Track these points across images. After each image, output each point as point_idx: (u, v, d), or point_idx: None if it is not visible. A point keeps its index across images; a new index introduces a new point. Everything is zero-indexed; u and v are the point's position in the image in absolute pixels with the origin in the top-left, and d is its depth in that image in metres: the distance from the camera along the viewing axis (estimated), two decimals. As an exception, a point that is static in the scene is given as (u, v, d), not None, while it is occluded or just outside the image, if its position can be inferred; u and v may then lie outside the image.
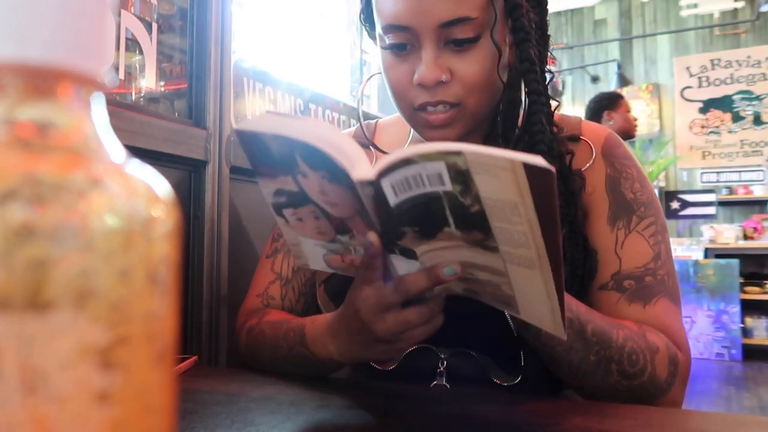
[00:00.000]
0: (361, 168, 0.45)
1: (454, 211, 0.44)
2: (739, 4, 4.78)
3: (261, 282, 0.80)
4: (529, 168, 0.38)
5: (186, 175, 0.98)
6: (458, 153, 0.40)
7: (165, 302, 0.20)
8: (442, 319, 0.55)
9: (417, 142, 0.78)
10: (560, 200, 0.68)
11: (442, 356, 0.68)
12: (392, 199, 0.45)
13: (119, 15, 0.88)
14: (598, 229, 0.69)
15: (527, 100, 0.68)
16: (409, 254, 0.50)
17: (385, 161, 0.43)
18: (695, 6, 4.87)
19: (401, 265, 0.51)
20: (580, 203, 0.69)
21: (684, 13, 4.96)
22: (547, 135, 0.67)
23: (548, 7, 0.74)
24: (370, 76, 0.78)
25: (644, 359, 0.60)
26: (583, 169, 0.71)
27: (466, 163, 0.40)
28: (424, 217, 0.46)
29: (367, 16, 0.75)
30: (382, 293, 0.52)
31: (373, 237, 0.49)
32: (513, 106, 0.70)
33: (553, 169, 0.37)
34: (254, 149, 0.51)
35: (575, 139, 0.72)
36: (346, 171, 0.44)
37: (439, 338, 0.69)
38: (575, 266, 0.68)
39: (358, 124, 0.79)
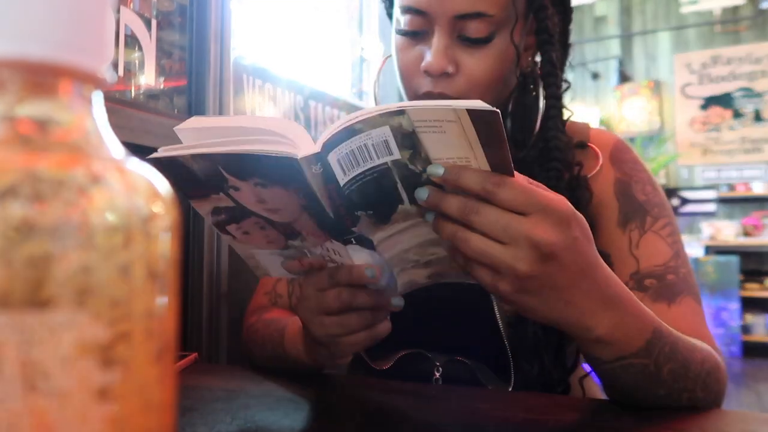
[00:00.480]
0: (304, 145, 0.43)
1: (405, 183, 0.43)
2: (740, 1, 4.77)
3: (269, 280, 0.80)
4: (473, 114, 0.37)
5: (186, 172, 0.97)
6: (401, 112, 0.38)
7: (165, 299, 0.20)
8: (389, 328, 0.54)
9: None
10: None
11: (437, 363, 0.69)
12: (341, 178, 0.43)
13: (118, 11, 0.88)
14: (608, 233, 0.68)
15: (544, 104, 0.67)
16: (366, 243, 0.48)
17: (327, 131, 0.41)
18: (696, 2, 4.86)
19: (359, 256, 0.50)
20: (585, 213, 0.69)
21: (684, 9, 4.95)
22: (562, 142, 0.67)
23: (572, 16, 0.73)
24: (386, 57, 0.76)
25: (716, 380, 0.56)
26: (589, 176, 0.70)
27: (411, 124, 0.39)
28: (377, 196, 0.44)
29: None
30: (323, 296, 0.51)
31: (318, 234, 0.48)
32: (529, 110, 0.70)
33: (497, 110, 0.37)
34: (176, 174, 0.47)
35: (582, 146, 0.72)
36: (287, 156, 0.42)
37: (433, 344, 0.70)
38: None
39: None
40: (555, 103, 0.67)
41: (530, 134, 0.69)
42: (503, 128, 0.38)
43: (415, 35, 0.66)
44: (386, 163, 0.41)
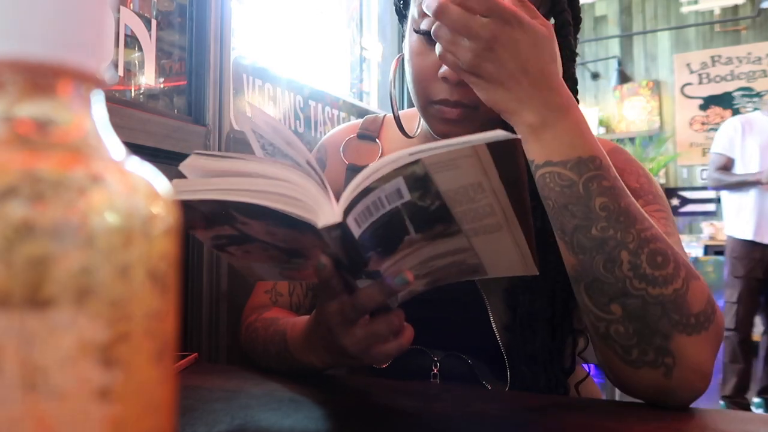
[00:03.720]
0: (324, 213, 0.42)
1: (413, 218, 0.43)
2: (740, 1, 4.77)
3: None
4: (493, 146, 0.39)
5: (186, 172, 0.97)
6: (415, 162, 0.39)
7: (165, 299, 0.20)
8: (413, 332, 0.54)
9: (424, 138, 0.78)
10: None
11: (436, 359, 0.70)
12: (356, 232, 0.43)
13: (118, 11, 0.88)
14: None
15: None
16: (375, 275, 0.49)
17: (345, 198, 0.41)
18: (695, 2, 4.86)
19: (365, 284, 0.50)
20: None
21: (684, 9, 4.95)
22: None
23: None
24: (399, 56, 0.74)
25: (674, 269, 0.52)
26: None
27: (424, 168, 0.40)
28: (386, 235, 0.45)
29: None
30: (345, 308, 0.50)
31: (324, 259, 0.47)
32: None
33: (517, 136, 0.39)
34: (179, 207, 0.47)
35: None
36: (308, 222, 0.42)
37: (432, 342, 0.70)
38: None
39: (391, 109, 0.75)
40: None
41: None
42: (521, 149, 0.40)
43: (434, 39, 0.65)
44: (397, 206, 0.42)
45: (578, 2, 0.70)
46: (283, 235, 0.47)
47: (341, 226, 0.42)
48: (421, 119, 0.76)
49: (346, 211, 0.41)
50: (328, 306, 0.51)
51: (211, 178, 0.45)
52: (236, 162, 0.45)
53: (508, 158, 0.40)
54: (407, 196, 0.41)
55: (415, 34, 0.66)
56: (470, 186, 0.41)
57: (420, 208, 0.43)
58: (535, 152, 0.55)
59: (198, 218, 0.47)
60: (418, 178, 0.40)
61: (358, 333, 0.51)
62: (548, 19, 0.68)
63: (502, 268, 0.50)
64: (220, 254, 0.53)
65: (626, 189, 0.56)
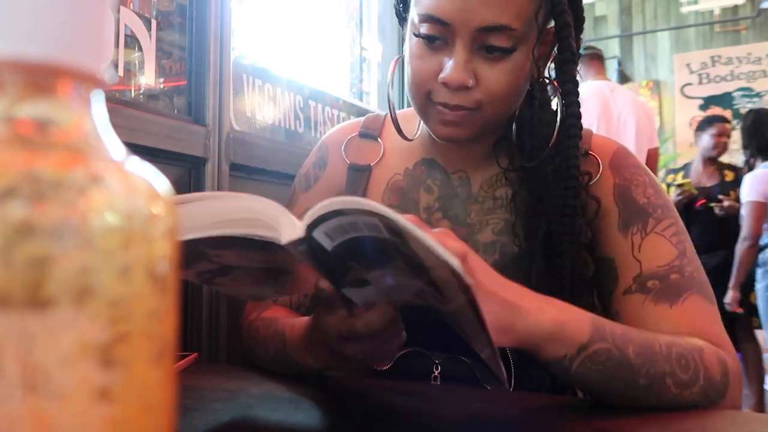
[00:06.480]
0: (286, 228, 0.42)
1: (399, 252, 0.41)
2: (740, 1, 4.77)
3: None
4: (461, 277, 0.36)
5: (185, 172, 0.97)
6: (390, 218, 0.36)
7: (165, 299, 0.20)
8: (403, 331, 0.53)
9: (425, 140, 0.78)
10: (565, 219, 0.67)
11: (437, 361, 0.69)
12: (328, 245, 0.42)
13: (118, 11, 0.88)
14: (609, 239, 0.67)
15: (564, 121, 0.67)
16: (361, 283, 0.47)
17: (312, 213, 0.40)
18: (695, 2, 4.86)
19: (355, 294, 0.49)
20: (593, 223, 0.69)
21: (684, 9, 4.95)
22: (579, 160, 0.67)
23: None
24: (397, 58, 0.74)
25: (694, 360, 0.55)
26: (590, 184, 0.69)
27: (400, 230, 0.37)
28: (369, 252, 0.43)
29: None
30: (345, 323, 0.50)
31: (323, 284, 0.47)
32: (538, 118, 0.70)
33: (472, 284, 0.36)
34: None
35: (584, 154, 0.71)
36: (271, 241, 0.42)
37: (432, 344, 0.70)
38: (582, 277, 0.67)
39: (389, 112, 0.75)
40: (576, 122, 0.66)
41: (540, 142, 0.69)
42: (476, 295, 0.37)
43: (434, 43, 0.64)
44: (378, 236, 0.40)
45: (580, 2, 0.70)
46: (258, 257, 0.47)
47: (306, 241, 0.41)
48: (421, 121, 0.76)
49: (312, 226, 0.40)
50: (326, 320, 0.51)
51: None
52: (194, 204, 0.45)
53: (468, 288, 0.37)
54: (387, 236, 0.39)
55: (415, 38, 0.66)
56: (442, 272, 0.39)
57: (402, 252, 0.40)
58: (566, 346, 0.51)
59: None
60: (395, 229, 0.38)
61: (362, 342, 0.52)
62: (548, 20, 0.67)
63: (476, 344, 0.47)
64: (212, 287, 0.54)
65: (624, 325, 0.57)
